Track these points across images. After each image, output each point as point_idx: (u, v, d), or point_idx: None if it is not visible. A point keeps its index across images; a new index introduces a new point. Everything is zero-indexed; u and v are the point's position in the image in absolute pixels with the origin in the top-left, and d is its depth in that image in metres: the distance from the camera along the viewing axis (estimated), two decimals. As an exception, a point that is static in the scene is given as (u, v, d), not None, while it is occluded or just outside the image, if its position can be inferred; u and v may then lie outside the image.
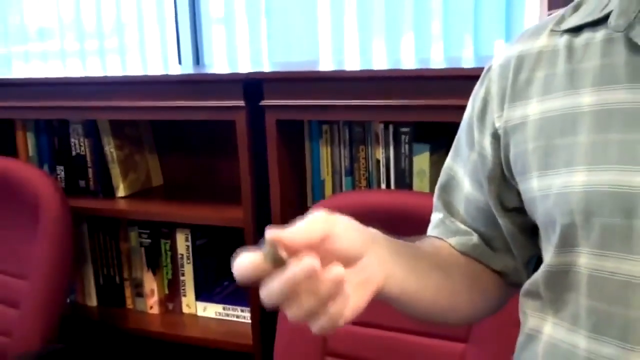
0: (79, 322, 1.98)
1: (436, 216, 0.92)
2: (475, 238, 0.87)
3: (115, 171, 1.96)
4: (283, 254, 0.60)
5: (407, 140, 1.58)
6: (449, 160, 0.91)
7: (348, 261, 0.66)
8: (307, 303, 0.61)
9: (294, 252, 0.61)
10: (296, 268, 0.59)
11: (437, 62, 2.28)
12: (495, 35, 2.72)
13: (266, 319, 1.68)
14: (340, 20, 2.93)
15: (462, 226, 0.89)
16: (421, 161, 1.56)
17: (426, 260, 0.81)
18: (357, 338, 1.41)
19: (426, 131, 1.57)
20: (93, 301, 2.02)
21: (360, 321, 1.41)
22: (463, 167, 0.88)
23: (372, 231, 0.71)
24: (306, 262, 0.59)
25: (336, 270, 0.60)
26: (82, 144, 1.97)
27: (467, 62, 1.93)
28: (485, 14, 2.73)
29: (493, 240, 0.87)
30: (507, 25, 2.70)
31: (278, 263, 0.60)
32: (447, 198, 0.90)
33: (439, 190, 0.92)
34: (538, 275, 0.79)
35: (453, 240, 0.88)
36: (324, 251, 0.64)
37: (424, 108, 1.44)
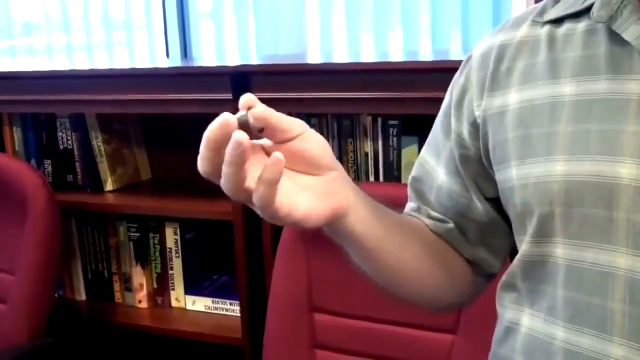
0: (67, 316, 1.97)
1: (410, 205, 0.92)
2: (451, 224, 0.87)
3: (103, 165, 1.95)
4: (251, 119, 0.61)
5: (395, 133, 1.58)
6: (423, 150, 0.91)
7: (316, 168, 0.66)
8: (224, 169, 0.60)
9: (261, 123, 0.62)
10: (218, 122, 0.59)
11: (425, 55, 2.29)
12: (483, 30, 2.72)
13: (255, 312, 1.68)
14: (328, 15, 2.93)
15: (436, 214, 0.88)
16: (409, 154, 1.57)
17: (396, 220, 0.81)
18: (346, 330, 1.42)
19: (414, 124, 1.57)
20: (82, 296, 2.02)
21: (349, 313, 1.42)
22: (437, 156, 0.87)
23: (344, 173, 0.71)
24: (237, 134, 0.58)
25: (237, 134, 0.58)
26: (69, 138, 1.96)
27: (455, 55, 1.93)
28: (473, 8, 2.74)
29: (465, 230, 0.87)
30: (495, 20, 2.71)
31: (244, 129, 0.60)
32: (419, 188, 0.90)
33: (411, 180, 0.92)
34: (514, 266, 0.79)
35: (428, 221, 0.88)
36: (295, 149, 0.64)
37: (412, 101, 1.44)
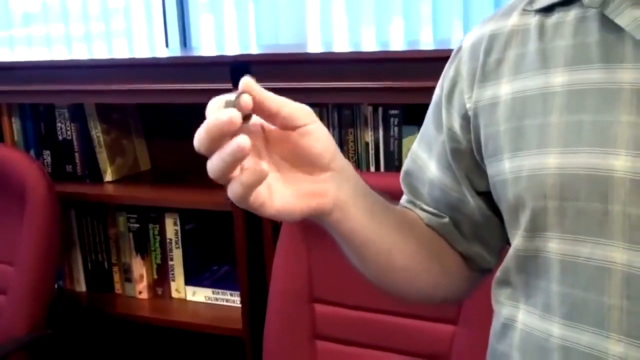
0: (67, 307, 1.97)
1: (405, 198, 0.91)
2: (446, 219, 0.86)
3: (103, 156, 1.94)
4: (247, 105, 0.59)
5: (396, 123, 1.57)
6: (414, 144, 0.90)
7: (310, 166, 0.65)
8: (217, 158, 0.59)
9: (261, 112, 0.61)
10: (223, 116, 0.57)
11: (426, 44, 2.27)
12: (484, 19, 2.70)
13: (256, 303, 1.68)
14: (329, 4, 2.91)
15: (429, 208, 0.87)
16: (410, 143, 1.53)
17: (395, 218, 0.80)
18: (347, 321, 1.41)
19: (415, 113, 1.56)
20: (82, 287, 2.01)
21: (349, 304, 1.41)
22: (428, 151, 0.86)
23: (348, 166, 0.70)
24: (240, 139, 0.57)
25: (242, 138, 0.57)
26: (68, 128, 1.95)
27: (457, 45, 1.92)
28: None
29: (459, 225, 0.86)
30: (496, 8, 2.69)
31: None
32: (411, 182, 0.89)
33: (403, 175, 0.90)
34: (508, 261, 0.78)
35: (422, 214, 0.87)
36: (296, 143, 0.64)
37: (412, 90, 1.43)
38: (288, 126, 0.63)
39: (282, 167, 0.65)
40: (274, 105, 0.62)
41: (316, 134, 0.65)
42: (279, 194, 0.64)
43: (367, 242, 0.75)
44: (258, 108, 0.61)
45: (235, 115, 0.58)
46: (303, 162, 0.65)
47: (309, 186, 0.66)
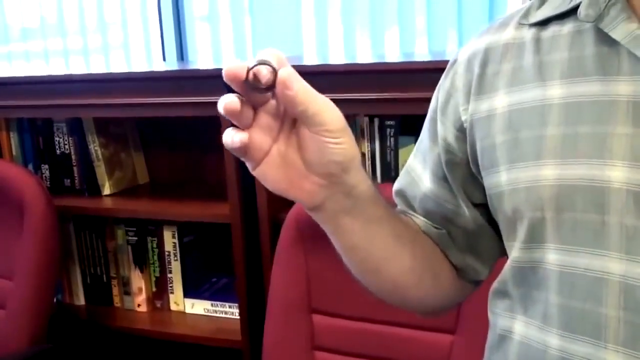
0: (66, 321, 1.97)
1: (399, 209, 0.90)
2: (442, 230, 0.86)
3: (101, 169, 1.95)
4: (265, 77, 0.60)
5: (392, 134, 1.58)
6: (410, 158, 0.89)
7: (316, 170, 0.67)
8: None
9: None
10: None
11: (422, 55, 2.29)
12: (478, 30, 2.72)
13: (255, 314, 1.68)
14: (325, 15, 2.93)
15: (422, 219, 0.87)
16: (407, 154, 1.56)
17: (392, 228, 0.79)
18: (345, 332, 1.42)
19: (412, 124, 1.57)
20: (80, 300, 2.02)
21: (348, 315, 1.42)
22: (423, 163, 0.86)
23: (359, 183, 0.70)
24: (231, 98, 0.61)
25: (231, 99, 0.60)
26: (66, 142, 1.95)
27: (452, 55, 1.93)
28: (469, 8, 2.74)
29: (453, 236, 0.86)
30: (491, 20, 2.71)
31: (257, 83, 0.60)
32: (404, 194, 0.89)
33: (395, 192, 0.90)
34: (505, 273, 0.78)
35: (420, 221, 0.87)
36: (317, 145, 0.65)
37: (409, 101, 1.44)
38: (306, 123, 0.64)
39: (292, 148, 0.66)
40: (306, 98, 0.62)
41: (340, 153, 0.65)
42: (273, 171, 0.66)
43: (355, 248, 0.76)
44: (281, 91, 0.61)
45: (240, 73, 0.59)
46: (312, 162, 0.66)
47: (299, 178, 0.67)
